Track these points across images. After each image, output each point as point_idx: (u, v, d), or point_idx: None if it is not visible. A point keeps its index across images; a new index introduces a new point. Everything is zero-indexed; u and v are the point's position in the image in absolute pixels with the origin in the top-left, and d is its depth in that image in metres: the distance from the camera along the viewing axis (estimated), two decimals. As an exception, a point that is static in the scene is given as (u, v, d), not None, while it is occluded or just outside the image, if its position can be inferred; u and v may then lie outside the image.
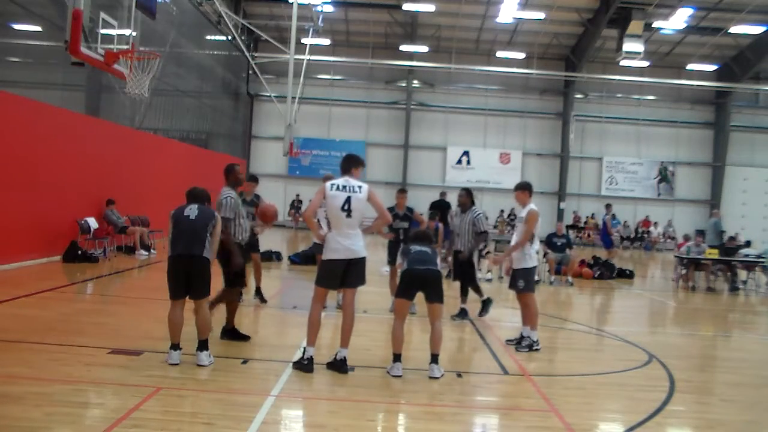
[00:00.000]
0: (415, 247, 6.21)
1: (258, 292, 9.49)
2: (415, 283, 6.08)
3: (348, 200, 5.88)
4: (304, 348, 5.94)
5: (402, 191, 9.80)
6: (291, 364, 5.97)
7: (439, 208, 13.06)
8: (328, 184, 5.99)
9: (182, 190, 6.36)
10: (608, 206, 17.44)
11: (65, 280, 11.11)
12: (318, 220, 6.71)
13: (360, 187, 5.99)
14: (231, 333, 7.00)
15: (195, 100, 23.06)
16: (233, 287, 7.01)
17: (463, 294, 9.13)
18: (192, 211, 5.96)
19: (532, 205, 7.40)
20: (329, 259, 5.93)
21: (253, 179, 9.66)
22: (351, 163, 6.17)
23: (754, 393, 6.26)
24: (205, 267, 5.90)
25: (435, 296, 6.05)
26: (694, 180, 31.50)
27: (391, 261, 9.30)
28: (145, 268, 13.25)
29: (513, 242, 7.58)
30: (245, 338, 6.99)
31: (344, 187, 5.95)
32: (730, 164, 30.97)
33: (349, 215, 5.88)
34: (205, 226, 5.92)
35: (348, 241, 5.89)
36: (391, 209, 9.62)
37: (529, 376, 6.27)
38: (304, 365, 5.84)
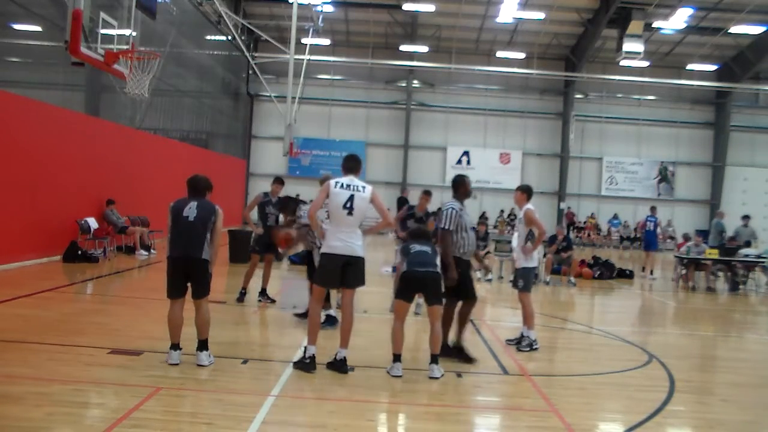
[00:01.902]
0: (416, 247, 6.20)
1: (263, 292, 9.50)
2: (414, 285, 6.08)
3: (351, 198, 5.88)
4: (305, 347, 5.93)
5: (426, 193, 9.72)
6: (292, 364, 5.96)
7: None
8: (332, 181, 5.98)
9: (182, 191, 6.33)
10: (653, 208, 17.20)
11: (65, 280, 11.11)
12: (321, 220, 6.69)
13: (364, 187, 6.00)
14: (459, 352, 6.56)
15: (195, 100, 23.06)
16: (467, 299, 6.67)
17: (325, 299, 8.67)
18: (191, 211, 5.84)
19: (527, 206, 7.49)
20: (327, 252, 5.90)
21: (279, 181, 9.65)
22: (357, 163, 6.19)
23: (754, 393, 6.27)
24: (204, 268, 5.87)
25: (434, 298, 6.05)
26: (694, 180, 31.50)
27: None
28: (145, 268, 13.24)
29: (515, 242, 7.66)
30: (471, 360, 6.50)
31: (348, 185, 5.95)
32: (730, 164, 30.97)
33: (350, 213, 5.88)
34: (204, 227, 5.84)
35: (347, 239, 5.88)
36: (410, 207, 9.62)
37: (529, 376, 6.27)
38: (306, 364, 5.83)
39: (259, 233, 9.34)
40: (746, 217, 17.61)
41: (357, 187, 5.97)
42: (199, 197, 6.03)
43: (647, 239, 16.94)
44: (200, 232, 5.83)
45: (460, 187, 6.84)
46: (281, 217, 9.46)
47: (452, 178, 7.01)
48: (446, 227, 6.51)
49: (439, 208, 9.08)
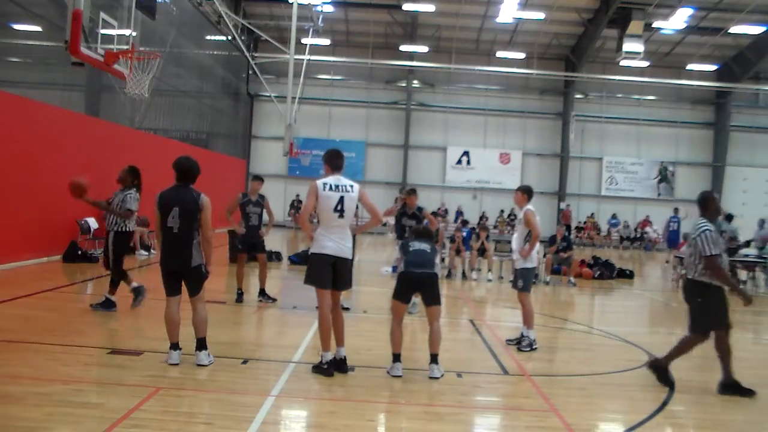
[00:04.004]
0: (415, 245, 6.18)
1: (262, 292, 9.51)
2: (411, 286, 6.09)
3: (341, 200, 5.80)
4: (321, 354, 5.86)
5: (412, 191, 9.76)
6: (311, 368, 5.90)
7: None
8: (319, 183, 5.85)
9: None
10: (676, 209, 18.45)
11: (65, 280, 11.11)
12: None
13: (352, 186, 5.93)
14: (734, 387, 6.01)
15: (195, 100, 23.05)
16: (719, 328, 6.12)
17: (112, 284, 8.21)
18: (174, 221, 5.75)
19: (528, 206, 7.49)
20: (318, 252, 5.82)
21: (259, 179, 9.66)
22: (343, 160, 6.10)
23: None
24: (197, 273, 5.88)
25: (431, 299, 6.05)
26: (694, 180, 31.43)
27: None
28: (145, 268, 13.24)
29: (514, 242, 7.65)
30: (750, 393, 5.95)
31: (337, 186, 5.84)
32: (730, 164, 30.96)
33: (341, 215, 5.82)
34: (190, 234, 5.80)
35: (338, 240, 5.84)
36: (403, 205, 9.65)
37: (529, 376, 6.27)
38: (324, 369, 5.79)
39: (242, 233, 9.34)
40: (730, 216, 17.83)
41: (345, 187, 5.87)
42: (187, 184, 5.94)
43: (670, 238, 17.58)
44: (187, 242, 5.80)
45: (710, 205, 6.20)
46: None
47: (700, 195, 6.33)
48: (712, 252, 5.88)
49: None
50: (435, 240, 6.73)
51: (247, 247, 9.47)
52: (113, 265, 8.17)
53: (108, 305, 8.08)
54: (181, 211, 5.78)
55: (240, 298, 9.35)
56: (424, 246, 6.19)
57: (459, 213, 28.62)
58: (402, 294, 6.08)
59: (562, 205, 30.21)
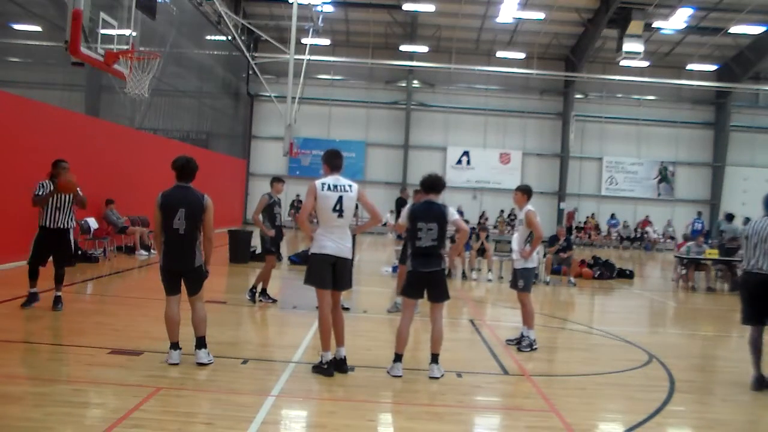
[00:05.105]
0: (422, 230, 5.99)
1: (263, 292, 9.50)
2: (419, 284, 6.07)
3: (340, 200, 5.81)
4: (321, 354, 5.86)
5: (419, 191, 9.70)
6: (311, 368, 5.91)
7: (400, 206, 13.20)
8: (318, 183, 5.85)
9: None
10: (700, 213, 19.34)
11: (65, 280, 11.07)
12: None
13: (350, 186, 5.93)
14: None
15: (195, 100, 23.06)
16: None
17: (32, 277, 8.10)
18: (180, 223, 5.75)
19: (528, 206, 7.47)
20: (318, 253, 5.82)
21: (279, 180, 9.62)
22: (342, 160, 6.10)
23: (754, 393, 6.25)
24: (198, 272, 5.88)
25: (438, 295, 6.05)
26: (694, 180, 31.48)
27: (402, 260, 9.17)
28: (145, 268, 13.24)
29: (514, 242, 7.63)
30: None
31: (335, 186, 5.84)
32: (730, 164, 30.94)
33: (340, 215, 5.82)
34: (195, 236, 5.82)
35: (338, 240, 5.84)
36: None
37: (529, 376, 6.27)
38: (324, 369, 5.79)
39: (272, 235, 9.30)
40: (730, 216, 18.03)
41: (344, 187, 5.87)
42: (189, 183, 5.96)
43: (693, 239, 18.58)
44: (191, 243, 5.81)
45: None
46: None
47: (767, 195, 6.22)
48: None
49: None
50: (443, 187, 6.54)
51: (277, 247, 9.51)
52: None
53: (32, 300, 7.97)
54: (188, 213, 5.79)
55: (253, 297, 9.34)
56: (431, 229, 6.01)
57: (459, 213, 28.57)
58: (411, 291, 6.09)
59: (563, 205, 30.23)
